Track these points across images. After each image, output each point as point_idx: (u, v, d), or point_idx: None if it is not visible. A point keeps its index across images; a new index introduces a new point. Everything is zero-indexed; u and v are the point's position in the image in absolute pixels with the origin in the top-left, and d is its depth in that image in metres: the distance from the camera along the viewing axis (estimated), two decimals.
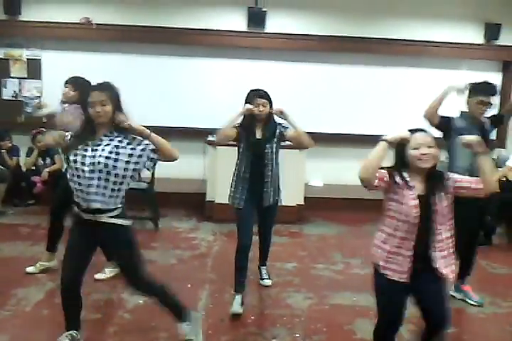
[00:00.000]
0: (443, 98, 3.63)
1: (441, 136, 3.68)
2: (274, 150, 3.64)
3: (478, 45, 6.71)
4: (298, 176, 5.75)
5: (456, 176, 2.50)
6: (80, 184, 2.68)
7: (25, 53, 6.53)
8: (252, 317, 3.53)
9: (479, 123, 3.71)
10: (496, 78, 6.44)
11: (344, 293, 3.97)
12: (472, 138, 2.45)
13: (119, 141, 2.68)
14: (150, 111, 6.22)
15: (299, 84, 6.66)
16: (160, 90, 6.59)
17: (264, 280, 4.08)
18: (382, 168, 2.46)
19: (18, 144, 6.31)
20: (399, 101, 6.71)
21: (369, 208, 5.74)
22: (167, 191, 5.99)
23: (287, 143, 3.77)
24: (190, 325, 3.00)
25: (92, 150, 2.67)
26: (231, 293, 3.64)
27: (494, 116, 3.92)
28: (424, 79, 6.61)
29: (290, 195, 5.41)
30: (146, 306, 3.53)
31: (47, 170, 6.04)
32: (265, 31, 6.57)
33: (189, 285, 3.98)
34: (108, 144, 2.67)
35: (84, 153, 2.67)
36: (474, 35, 6.72)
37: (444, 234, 2.45)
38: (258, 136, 3.63)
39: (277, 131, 3.65)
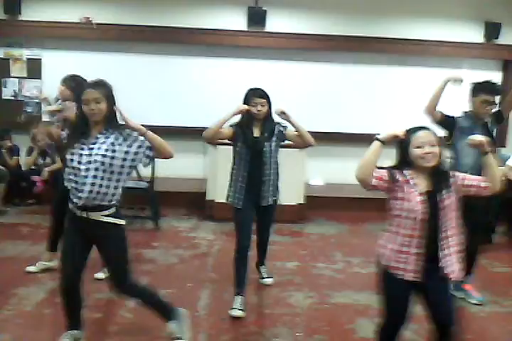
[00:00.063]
0: (440, 91, 3.66)
1: (445, 135, 3.69)
2: (273, 148, 3.60)
3: (479, 44, 6.71)
4: (298, 175, 5.75)
5: (462, 174, 2.50)
6: (76, 182, 2.67)
7: (26, 53, 6.53)
8: (253, 317, 3.53)
9: (483, 122, 3.72)
10: (496, 77, 6.42)
11: (345, 292, 3.97)
12: (480, 138, 2.44)
13: (115, 138, 2.68)
14: (151, 110, 6.24)
15: (299, 83, 6.65)
16: (161, 89, 6.59)
17: (265, 280, 4.08)
18: (382, 168, 2.45)
19: (18, 144, 6.32)
20: (399, 100, 6.70)
21: (370, 207, 5.77)
22: (167, 190, 5.99)
23: (287, 142, 3.75)
24: (177, 323, 2.95)
25: (89, 148, 2.67)
26: (231, 292, 3.63)
27: (494, 113, 3.92)
28: (424, 78, 6.59)
29: (291, 194, 5.43)
30: None
31: (47, 169, 6.04)
32: (265, 30, 6.56)
33: (189, 285, 3.99)
34: (104, 142, 2.67)
35: (81, 152, 2.67)
36: (474, 34, 6.72)
37: (452, 231, 2.43)
38: (256, 134, 3.60)
39: (276, 130, 3.62)
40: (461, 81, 3.64)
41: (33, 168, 6.22)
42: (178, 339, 2.94)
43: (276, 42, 6.49)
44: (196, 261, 4.57)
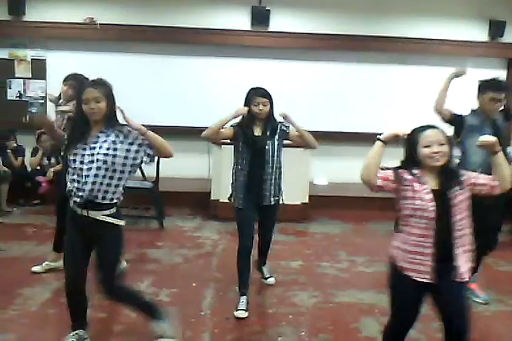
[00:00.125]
0: (446, 88, 3.68)
1: (454, 133, 3.69)
2: (276, 147, 3.58)
3: (483, 42, 6.71)
4: (303, 174, 5.75)
5: (473, 173, 2.47)
6: (78, 181, 2.68)
7: (30, 53, 6.56)
8: (258, 316, 3.53)
9: (491, 120, 3.71)
10: (500, 75, 6.39)
11: (349, 291, 3.96)
12: (488, 138, 2.40)
13: (116, 136, 2.69)
14: (155, 111, 6.26)
15: (303, 83, 6.65)
16: (165, 89, 6.60)
17: (268, 280, 4.07)
18: (388, 168, 2.43)
19: (23, 144, 6.34)
20: (403, 99, 6.70)
21: (374, 206, 5.76)
22: (172, 190, 6.00)
23: (288, 142, 3.73)
24: (165, 323, 2.93)
25: (90, 148, 2.68)
26: (236, 291, 3.64)
27: (502, 111, 3.89)
28: (429, 77, 6.57)
29: (295, 194, 5.41)
30: None
31: (52, 169, 6.06)
32: (269, 30, 6.58)
33: (194, 284, 3.99)
34: (105, 141, 2.68)
35: (83, 152, 2.69)
36: (479, 33, 6.72)
37: (464, 230, 2.39)
38: (257, 133, 3.59)
39: (278, 129, 3.61)
40: (464, 73, 3.69)
41: (38, 168, 6.24)
42: (169, 338, 2.93)
43: (280, 42, 6.49)
44: (201, 261, 4.58)
